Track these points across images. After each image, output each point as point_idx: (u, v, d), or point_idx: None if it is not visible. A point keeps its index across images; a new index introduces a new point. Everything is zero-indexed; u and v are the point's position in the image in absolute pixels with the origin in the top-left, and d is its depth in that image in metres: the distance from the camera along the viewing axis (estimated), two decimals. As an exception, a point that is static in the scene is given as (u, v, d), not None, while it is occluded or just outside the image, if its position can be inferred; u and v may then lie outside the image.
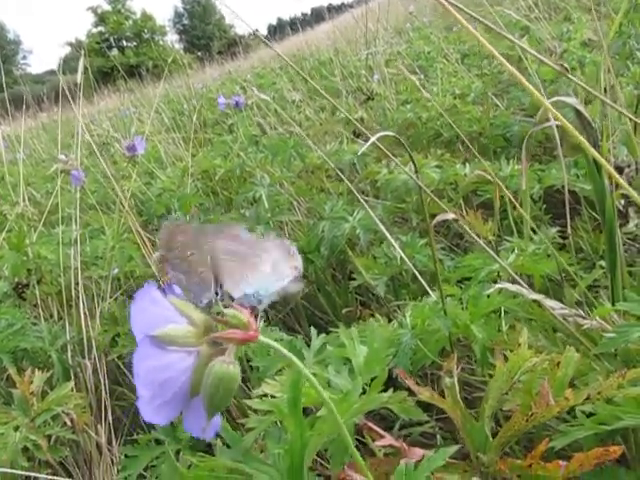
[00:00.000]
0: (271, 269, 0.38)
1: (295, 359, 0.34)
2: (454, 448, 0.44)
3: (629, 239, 1.45)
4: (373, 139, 0.74)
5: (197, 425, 0.36)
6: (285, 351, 0.34)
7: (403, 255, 1.11)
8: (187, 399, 0.35)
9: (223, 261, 0.38)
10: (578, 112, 0.73)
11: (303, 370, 0.35)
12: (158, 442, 1.17)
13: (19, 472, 0.96)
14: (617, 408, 0.56)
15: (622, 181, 0.55)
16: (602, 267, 1.31)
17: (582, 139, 0.54)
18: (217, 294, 0.39)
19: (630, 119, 0.99)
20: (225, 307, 0.38)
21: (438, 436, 1.23)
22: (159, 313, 0.36)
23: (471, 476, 0.52)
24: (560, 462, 0.50)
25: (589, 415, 0.62)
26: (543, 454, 0.50)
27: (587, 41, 2.21)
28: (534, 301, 0.75)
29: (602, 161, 0.52)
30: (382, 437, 0.57)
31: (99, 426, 1.39)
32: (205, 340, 0.35)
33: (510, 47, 2.82)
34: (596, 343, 0.77)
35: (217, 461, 0.61)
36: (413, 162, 0.82)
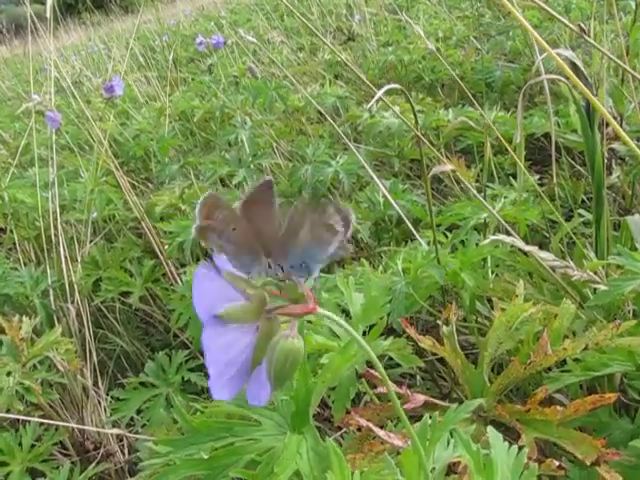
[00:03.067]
0: (310, 234, 0.38)
1: (353, 331, 0.35)
2: (476, 402, 0.46)
3: (608, 187, 1.48)
4: (379, 94, 0.73)
5: (256, 394, 0.37)
6: (345, 324, 0.35)
7: (392, 200, 1.11)
8: (248, 373, 0.36)
9: (266, 231, 0.38)
10: (574, 65, 0.73)
11: (363, 343, 0.36)
12: (143, 384, 1.19)
13: (11, 416, 0.98)
14: (605, 356, 0.59)
15: (623, 133, 0.56)
16: (581, 215, 1.35)
17: (588, 93, 0.55)
18: (269, 266, 0.39)
19: (621, 70, 0.99)
20: (280, 280, 0.38)
21: (418, 376, 1.28)
22: (218, 290, 0.36)
23: (472, 420, 0.55)
24: (557, 407, 0.53)
25: (574, 360, 0.65)
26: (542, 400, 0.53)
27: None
28: (523, 252, 0.77)
29: (607, 116, 0.52)
30: (384, 384, 0.59)
31: (84, 369, 1.41)
32: (263, 315, 0.36)
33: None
34: (580, 292, 0.80)
35: (221, 407, 0.63)
36: (413, 110, 0.81)
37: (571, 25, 0.62)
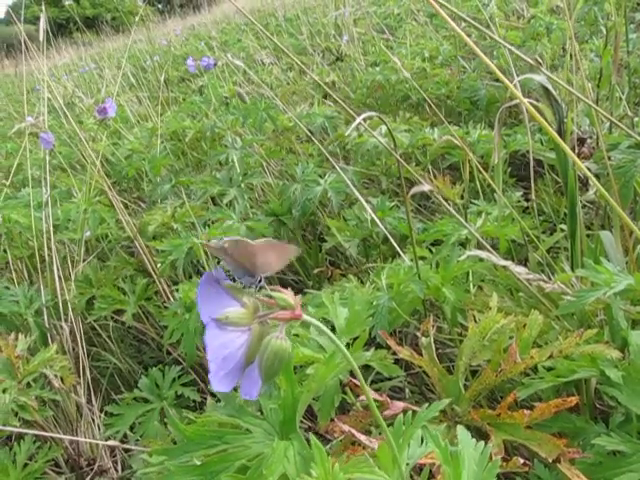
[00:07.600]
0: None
1: (334, 337, 0.39)
2: (445, 402, 0.50)
3: (588, 202, 1.53)
4: (359, 120, 0.76)
5: (249, 389, 0.43)
6: (325, 329, 0.38)
7: (375, 218, 1.15)
8: (243, 369, 0.42)
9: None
10: (546, 89, 0.77)
11: (343, 349, 0.40)
12: (137, 399, 1.21)
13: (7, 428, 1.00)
14: (573, 363, 0.63)
15: (577, 160, 0.60)
16: (563, 230, 1.39)
17: (545, 125, 0.59)
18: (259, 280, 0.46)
19: (596, 90, 1.04)
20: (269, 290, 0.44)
21: (407, 390, 1.31)
22: (218, 297, 0.43)
23: (449, 426, 0.58)
24: (525, 411, 0.57)
25: (548, 369, 0.69)
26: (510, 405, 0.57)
27: (555, 8, 2.25)
28: (502, 266, 0.81)
29: (563, 145, 0.56)
30: (366, 392, 0.62)
31: (78, 386, 1.42)
32: (256, 320, 0.42)
33: (477, 9, 2.84)
34: (556, 304, 0.83)
35: (212, 417, 0.66)
36: (391, 133, 0.85)
37: (527, 58, 0.66)
